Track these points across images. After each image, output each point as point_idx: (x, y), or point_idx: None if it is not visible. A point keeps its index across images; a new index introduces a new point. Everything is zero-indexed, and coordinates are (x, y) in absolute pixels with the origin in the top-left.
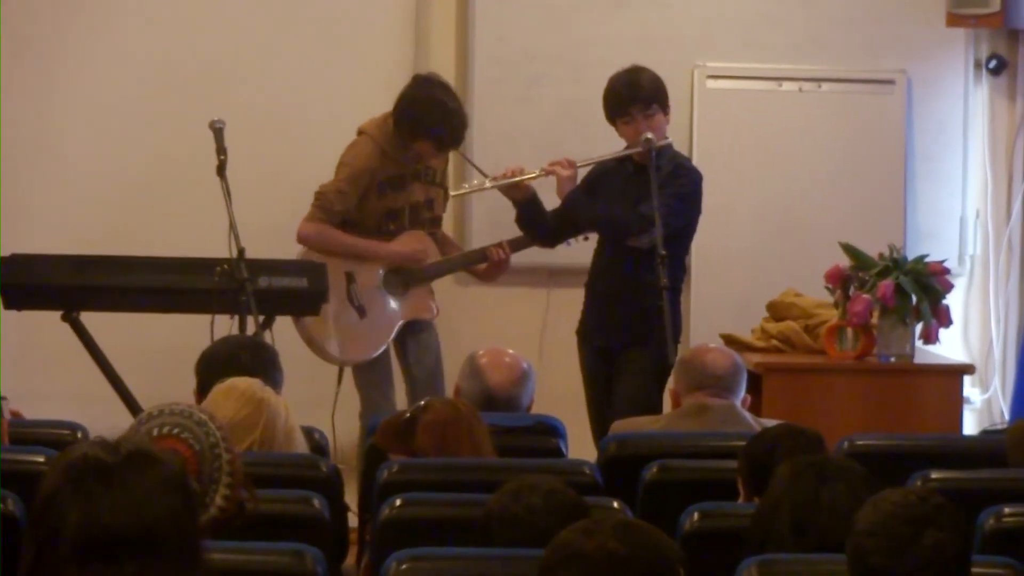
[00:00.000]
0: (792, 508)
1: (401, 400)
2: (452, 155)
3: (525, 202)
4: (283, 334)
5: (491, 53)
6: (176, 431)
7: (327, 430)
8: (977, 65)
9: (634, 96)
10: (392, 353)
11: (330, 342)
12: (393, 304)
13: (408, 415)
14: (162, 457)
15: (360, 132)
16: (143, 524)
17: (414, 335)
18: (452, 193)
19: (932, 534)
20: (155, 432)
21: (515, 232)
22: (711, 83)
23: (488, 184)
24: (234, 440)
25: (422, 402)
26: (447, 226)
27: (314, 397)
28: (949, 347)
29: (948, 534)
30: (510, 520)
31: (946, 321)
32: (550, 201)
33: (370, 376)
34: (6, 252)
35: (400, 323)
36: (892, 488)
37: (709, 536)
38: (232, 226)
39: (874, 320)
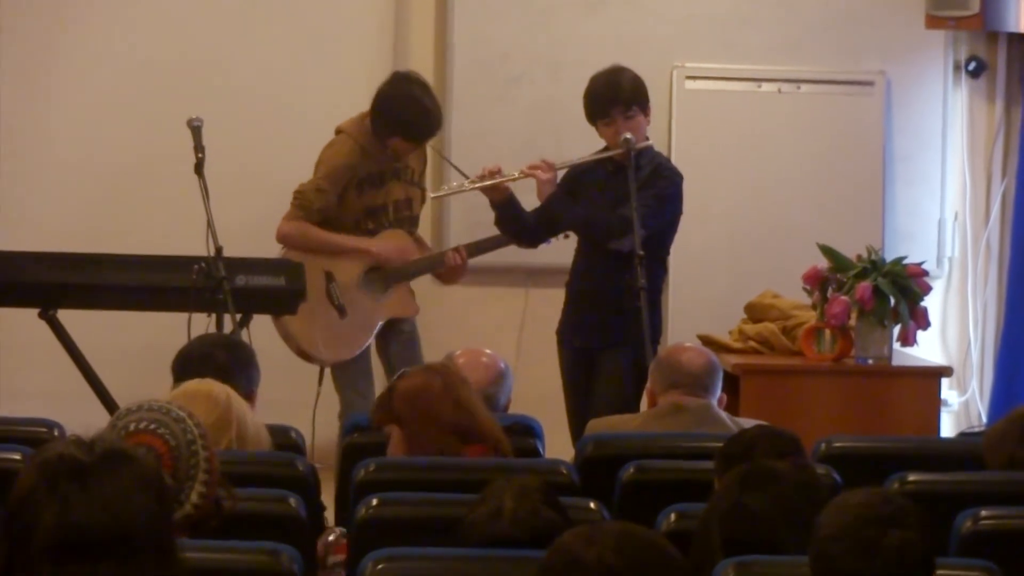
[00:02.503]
0: (720, 518)
1: None
2: (431, 156)
3: (503, 203)
4: (263, 333)
5: (469, 53)
6: (152, 427)
7: (306, 429)
8: (956, 67)
9: (615, 97)
10: (373, 351)
11: (310, 341)
12: (374, 303)
13: (388, 387)
14: (137, 456)
15: (338, 131)
16: (118, 523)
17: (397, 335)
18: (432, 195)
19: (897, 534)
20: (131, 427)
21: (493, 232)
22: (690, 84)
23: (467, 186)
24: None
25: (401, 371)
26: (425, 226)
27: (293, 396)
28: (927, 349)
29: (913, 533)
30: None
31: (924, 323)
32: (530, 203)
33: (349, 376)
34: None
35: (381, 321)
36: (852, 490)
37: (685, 537)
38: (210, 224)
39: (852, 322)
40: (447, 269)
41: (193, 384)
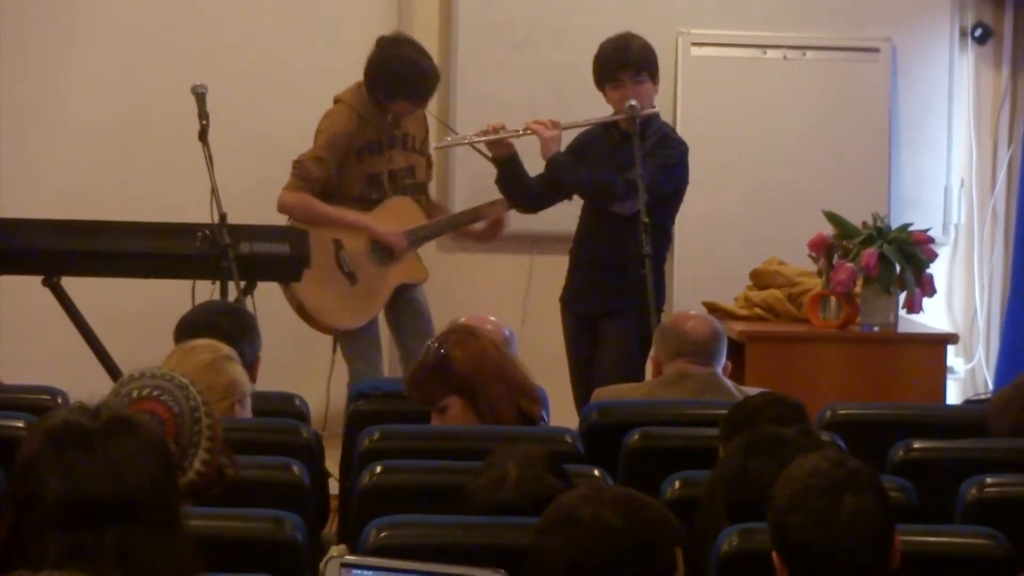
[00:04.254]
0: (724, 484)
1: (393, 369)
2: (433, 122)
3: (505, 160)
4: (272, 301)
5: (474, 19)
6: (156, 393)
7: (320, 398)
8: (962, 33)
9: (624, 61)
10: (381, 320)
11: (322, 310)
12: (384, 269)
13: (434, 360)
14: (142, 422)
15: (336, 100)
16: (124, 489)
17: (404, 303)
18: (434, 145)
19: (850, 500)
20: (135, 394)
21: (496, 196)
22: (695, 51)
23: (470, 138)
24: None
25: (434, 342)
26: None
27: (301, 364)
28: (933, 316)
29: (866, 498)
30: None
31: (930, 290)
32: (533, 167)
33: (356, 345)
34: None
35: (392, 288)
36: (806, 455)
37: (690, 504)
38: (214, 191)
39: (857, 289)
40: (490, 223)
41: (193, 343)
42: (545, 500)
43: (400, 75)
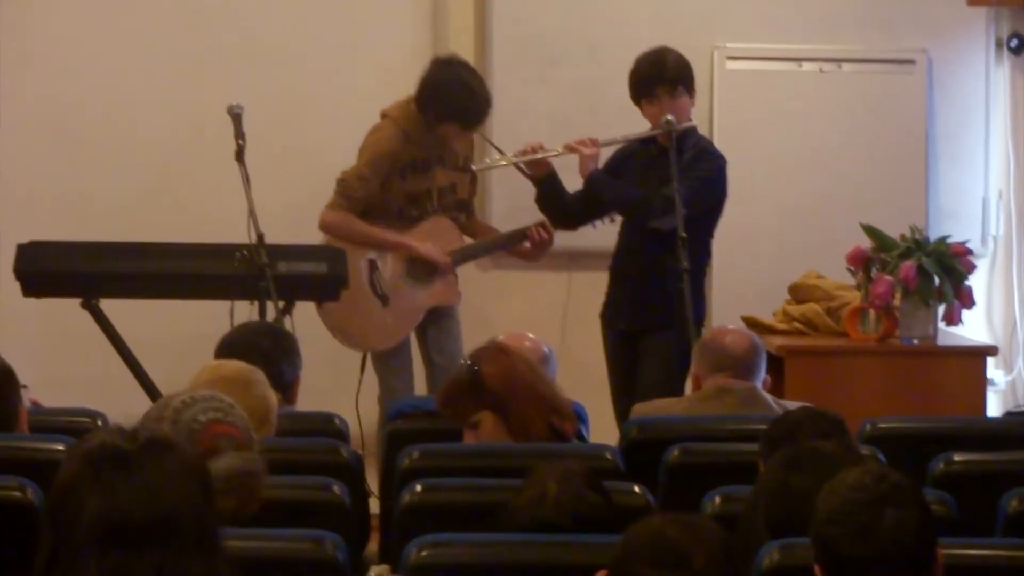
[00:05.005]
0: (766, 499)
1: (420, 386)
2: (476, 139)
3: (545, 179)
4: (306, 320)
5: (509, 34)
6: (220, 416)
7: (350, 416)
8: (998, 44)
9: (660, 76)
10: (413, 339)
11: (354, 329)
12: (417, 291)
13: (466, 377)
14: (179, 444)
15: (383, 115)
16: (162, 511)
17: (436, 322)
18: (474, 167)
19: (892, 513)
20: (202, 418)
21: (536, 215)
22: (731, 64)
23: (510, 159)
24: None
25: (468, 359)
26: None
27: (336, 383)
28: (972, 328)
29: (908, 511)
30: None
31: (969, 302)
32: (571, 183)
33: (390, 363)
34: (25, 239)
35: (425, 310)
36: (849, 469)
37: (731, 520)
38: (251, 211)
39: (896, 302)
40: (533, 244)
41: (219, 365)
42: (586, 516)
43: (453, 99)
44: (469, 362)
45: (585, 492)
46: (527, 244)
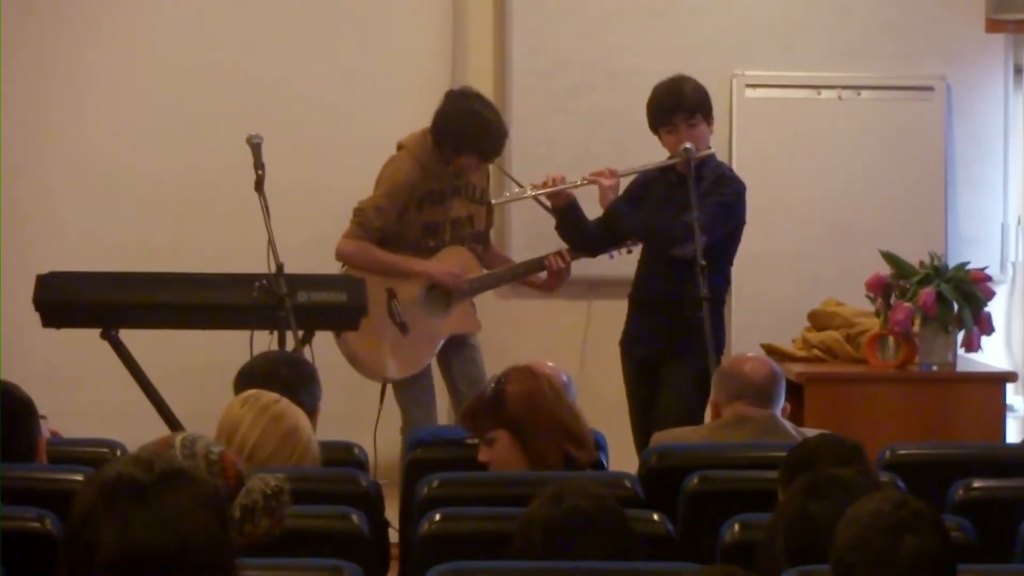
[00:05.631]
0: (785, 527)
1: (442, 416)
2: (492, 170)
3: (566, 209)
4: (324, 349)
5: (528, 64)
6: (224, 447)
7: (369, 446)
8: (1017, 70)
9: (677, 105)
10: (435, 368)
11: (372, 358)
12: (436, 319)
13: (491, 392)
14: (196, 475)
15: (400, 147)
16: (178, 542)
17: (458, 350)
18: (493, 201)
19: (911, 541)
20: (215, 449)
21: (556, 243)
22: (750, 92)
23: (529, 192)
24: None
25: (499, 376)
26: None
27: (355, 412)
28: (991, 355)
29: (928, 539)
30: (554, 526)
31: (988, 329)
32: (591, 211)
33: (411, 392)
34: (44, 270)
35: (443, 339)
36: (870, 495)
37: (750, 547)
38: (270, 241)
39: (915, 328)
40: (550, 274)
41: (264, 400)
42: (599, 516)
43: (468, 132)
44: (499, 377)
45: (603, 495)
46: (543, 274)
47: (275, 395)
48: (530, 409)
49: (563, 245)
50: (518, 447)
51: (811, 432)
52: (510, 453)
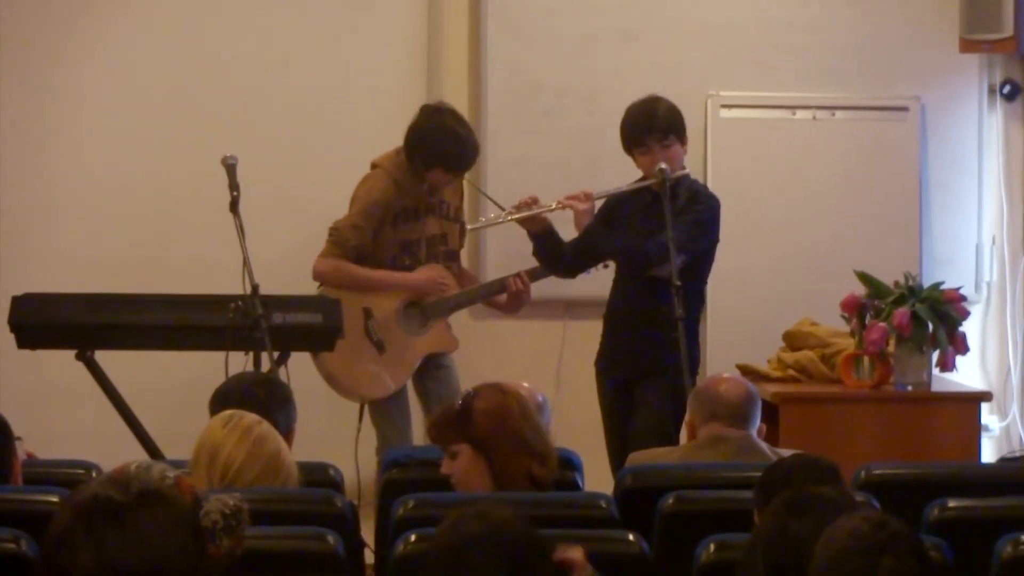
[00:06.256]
0: (765, 544)
1: (418, 436)
2: (468, 189)
3: (542, 234)
4: (301, 369)
5: (503, 85)
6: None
7: (348, 466)
8: (991, 91)
9: (651, 126)
10: (410, 388)
11: (349, 378)
12: (413, 338)
13: (459, 406)
14: (172, 496)
15: (374, 166)
16: (155, 563)
17: (434, 371)
18: (469, 227)
19: (889, 562)
20: (171, 474)
21: (531, 264)
22: (724, 112)
23: (504, 217)
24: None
25: (468, 391)
26: (461, 258)
27: (333, 433)
28: (966, 375)
29: (906, 560)
30: (448, 552)
31: (963, 348)
32: (567, 233)
33: (386, 411)
34: (19, 291)
35: (421, 358)
36: (848, 515)
37: (726, 567)
38: (246, 262)
39: (890, 348)
40: (510, 295)
41: (245, 422)
42: (491, 541)
43: (439, 145)
44: (468, 392)
45: (506, 519)
46: (504, 296)
47: (255, 416)
48: (495, 426)
49: (522, 268)
50: (482, 463)
51: (787, 453)
52: (472, 467)
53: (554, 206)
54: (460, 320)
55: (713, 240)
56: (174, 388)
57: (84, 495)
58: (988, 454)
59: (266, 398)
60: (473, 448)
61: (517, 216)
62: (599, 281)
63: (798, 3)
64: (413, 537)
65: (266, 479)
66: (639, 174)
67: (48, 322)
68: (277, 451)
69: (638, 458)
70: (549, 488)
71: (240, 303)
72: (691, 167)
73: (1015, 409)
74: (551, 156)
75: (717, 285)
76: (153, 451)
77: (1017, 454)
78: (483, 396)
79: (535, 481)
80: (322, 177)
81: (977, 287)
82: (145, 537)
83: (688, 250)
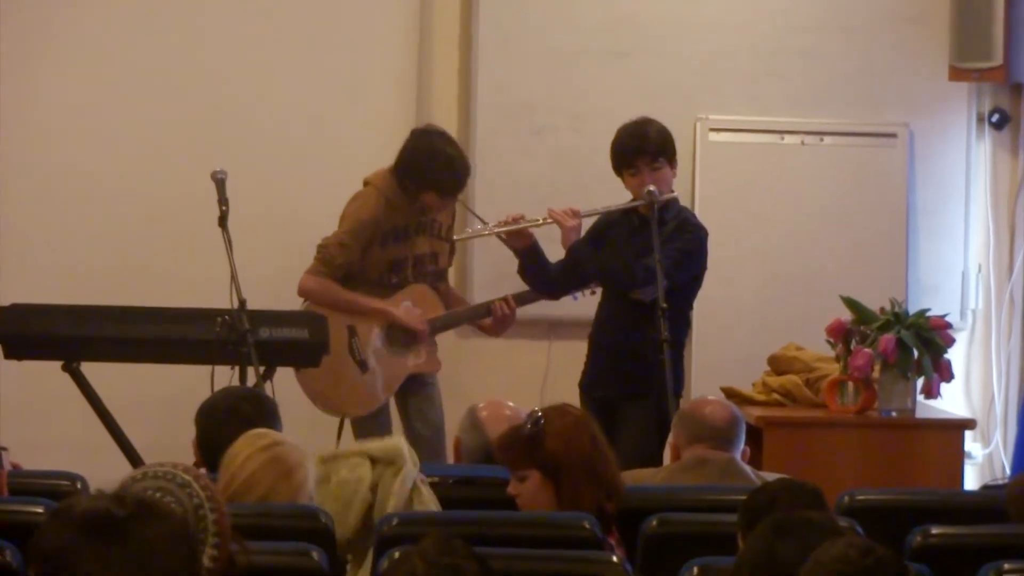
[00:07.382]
0: (750, 567)
1: None
2: (459, 209)
3: (526, 250)
4: (284, 385)
5: (492, 104)
6: (159, 495)
7: None
8: (979, 119)
9: (641, 148)
10: (392, 406)
11: (332, 395)
12: (397, 358)
13: (529, 429)
14: (168, 510)
15: (366, 183)
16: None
17: (416, 391)
18: (454, 237)
19: None
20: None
21: (518, 284)
22: (713, 136)
23: (491, 229)
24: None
25: (536, 413)
26: (448, 277)
27: (313, 449)
28: (950, 402)
29: None
30: None
31: (947, 376)
32: (554, 252)
33: (369, 429)
34: (6, 302)
35: (403, 378)
36: (834, 541)
37: None
38: (233, 277)
39: (875, 374)
40: (495, 319)
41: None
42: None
43: (431, 169)
44: (539, 415)
45: (461, 563)
46: (489, 319)
47: (280, 436)
48: (568, 454)
49: (509, 288)
50: (550, 489)
51: (770, 476)
52: (540, 493)
53: (541, 220)
54: (445, 339)
55: (699, 270)
56: (160, 401)
57: (80, 508)
58: (971, 481)
59: (252, 413)
60: (542, 474)
61: (503, 229)
62: (584, 302)
63: (789, 29)
64: (396, 554)
65: (277, 498)
66: (626, 195)
67: (35, 333)
68: (290, 471)
69: (622, 479)
70: (612, 523)
71: (227, 317)
72: (679, 189)
73: (998, 437)
74: (540, 175)
75: (703, 308)
76: (137, 464)
77: (1000, 482)
78: (557, 420)
79: (603, 513)
80: (311, 193)
81: (963, 314)
82: (145, 551)
83: (671, 277)
